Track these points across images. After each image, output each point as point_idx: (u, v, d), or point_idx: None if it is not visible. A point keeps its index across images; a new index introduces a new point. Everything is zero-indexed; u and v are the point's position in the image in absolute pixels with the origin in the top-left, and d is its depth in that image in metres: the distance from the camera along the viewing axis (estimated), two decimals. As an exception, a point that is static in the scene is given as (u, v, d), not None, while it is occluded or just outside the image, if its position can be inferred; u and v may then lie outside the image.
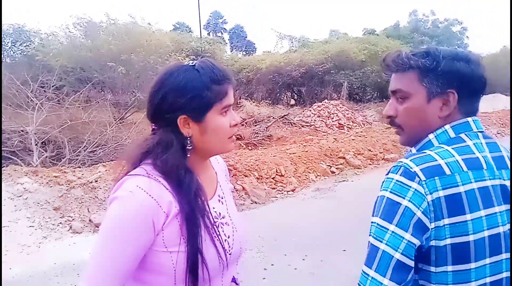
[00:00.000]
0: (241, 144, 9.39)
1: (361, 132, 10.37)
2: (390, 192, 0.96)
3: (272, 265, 3.93)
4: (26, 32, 14.99)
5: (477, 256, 0.94)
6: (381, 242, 0.93)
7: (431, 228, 0.93)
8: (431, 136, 1.07)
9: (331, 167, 7.47)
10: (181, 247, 1.04)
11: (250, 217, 5.27)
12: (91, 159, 7.38)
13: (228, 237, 1.18)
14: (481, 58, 1.10)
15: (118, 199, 1.02)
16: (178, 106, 1.07)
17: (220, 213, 1.19)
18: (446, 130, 1.06)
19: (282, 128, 11.29)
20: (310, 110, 12.82)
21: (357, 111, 13.85)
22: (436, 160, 0.98)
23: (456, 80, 1.04)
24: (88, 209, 5.10)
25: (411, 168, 0.96)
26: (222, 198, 1.24)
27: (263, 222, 5.06)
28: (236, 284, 1.32)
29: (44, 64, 9.68)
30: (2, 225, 4.39)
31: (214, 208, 1.18)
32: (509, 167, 1.03)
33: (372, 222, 0.98)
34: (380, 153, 8.39)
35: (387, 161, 8.19)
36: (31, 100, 7.80)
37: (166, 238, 1.03)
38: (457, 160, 0.98)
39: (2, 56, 13.05)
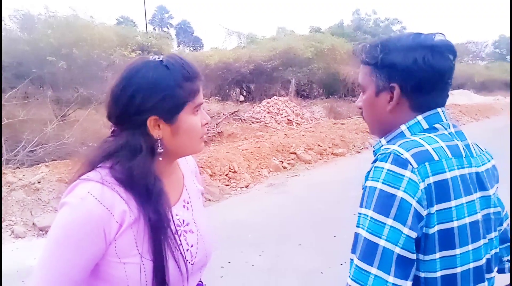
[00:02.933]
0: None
1: (310, 127, 10.59)
2: (383, 183, 0.92)
3: (229, 262, 3.90)
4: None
5: (461, 242, 0.95)
6: (380, 237, 0.89)
7: (424, 216, 0.92)
8: (403, 127, 1.05)
9: (283, 162, 7.55)
10: (135, 258, 0.98)
11: (204, 215, 5.20)
12: (30, 159, 6.94)
13: (191, 246, 1.11)
14: (447, 44, 1.03)
15: (67, 205, 0.94)
16: (148, 107, 0.98)
17: (183, 220, 1.12)
18: (418, 121, 1.04)
19: (232, 124, 11.26)
20: (260, 107, 12.91)
21: (304, 107, 14.12)
22: (423, 146, 0.96)
23: (398, 73, 1.02)
24: (31, 212, 4.80)
25: (402, 154, 0.93)
26: (187, 203, 1.16)
27: (218, 220, 5.01)
28: None
29: (-24, 59, 8.96)
30: None
31: (177, 215, 1.10)
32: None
33: (362, 214, 0.94)
34: (329, 148, 8.60)
35: (336, 156, 8.43)
36: (-37, 96, 7.20)
37: (118, 249, 0.97)
38: (442, 146, 0.97)
39: None
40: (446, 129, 1.04)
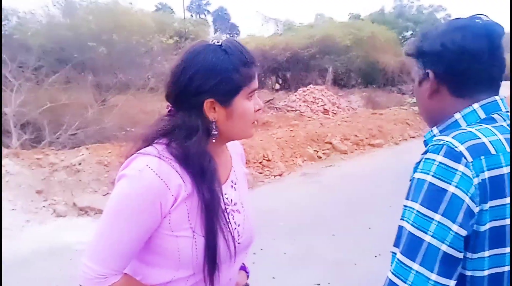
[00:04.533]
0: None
1: (347, 117, 10.40)
2: (433, 176, 0.87)
3: (261, 249, 3.90)
4: (3, 11, 14.37)
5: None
6: (426, 233, 0.85)
7: (476, 213, 0.86)
8: (457, 115, 0.99)
9: (317, 152, 7.46)
10: (187, 232, 1.01)
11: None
12: (72, 142, 7.21)
13: (238, 225, 1.13)
14: (487, 26, 0.97)
15: (126, 177, 0.98)
16: (206, 89, 1.01)
17: (231, 200, 1.14)
18: (475, 109, 0.98)
19: (267, 112, 11.23)
20: (296, 95, 12.78)
21: (341, 97, 13.86)
22: (480, 138, 0.90)
23: (428, 58, 1.02)
24: (72, 192, 4.97)
25: (456, 147, 0.88)
26: (235, 184, 1.18)
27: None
28: (246, 272, 1.26)
29: (22, 44, 9.31)
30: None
31: (226, 194, 1.12)
32: (510, 161, 0.97)
33: (407, 207, 0.90)
34: (366, 138, 8.42)
35: (373, 147, 8.24)
36: (9, 81, 7.52)
37: (172, 222, 1.00)
38: (499, 139, 0.91)
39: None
40: (505, 120, 0.97)
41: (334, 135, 8.14)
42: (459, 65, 0.98)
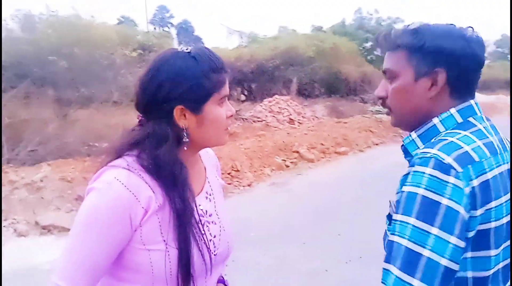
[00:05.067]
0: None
1: (313, 126, 10.55)
2: (425, 189, 0.86)
3: (233, 261, 3.84)
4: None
5: (496, 243, 0.91)
6: (424, 247, 0.83)
7: (467, 220, 0.86)
8: (435, 120, 1.01)
9: (285, 161, 7.52)
10: (160, 245, 0.98)
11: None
12: (32, 158, 6.92)
13: (214, 237, 1.11)
14: (480, 37, 1.03)
15: (94, 190, 0.96)
16: (175, 96, 1.00)
17: (206, 211, 1.12)
18: (452, 114, 1.00)
19: (234, 123, 11.23)
20: (261, 106, 12.85)
21: (306, 107, 14.07)
22: (462, 147, 0.91)
23: (445, 57, 0.99)
24: (33, 210, 4.77)
25: (444, 159, 0.88)
26: (210, 195, 1.17)
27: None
28: (225, 285, 1.25)
29: (-22, 59, 8.92)
30: None
31: (200, 205, 1.10)
32: (510, 160, 1.00)
33: (399, 221, 0.88)
34: (332, 146, 8.57)
35: (339, 154, 8.40)
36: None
37: (144, 235, 0.97)
38: (479, 146, 0.93)
39: None
40: (480, 123, 1.00)
41: (301, 144, 8.23)
42: (470, 71, 1.01)
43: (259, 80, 16.53)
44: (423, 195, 0.86)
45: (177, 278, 0.99)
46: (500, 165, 0.94)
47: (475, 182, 0.88)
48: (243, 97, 17.79)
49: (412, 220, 0.85)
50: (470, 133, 0.96)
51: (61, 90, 9.80)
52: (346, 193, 5.94)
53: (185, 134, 1.03)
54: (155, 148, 1.00)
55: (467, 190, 0.86)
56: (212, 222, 1.13)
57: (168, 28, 51.02)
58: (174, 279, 0.99)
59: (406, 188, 0.89)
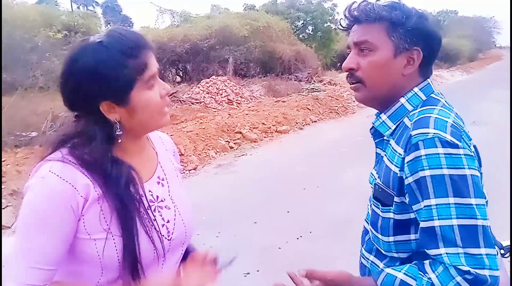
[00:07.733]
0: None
1: (253, 106, 10.59)
2: (448, 168, 0.90)
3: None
4: None
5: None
6: (476, 218, 0.89)
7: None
8: (402, 100, 1.05)
9: (229, 142, 7.51)
10: (104, 234, 0.98)
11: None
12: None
13: (168, 222, 1.11)
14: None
15: (30, 188, 0.96)
16: (96, 94, 0.97)
17: (157, 197, 1.12)
18: (416, 92, 1.05)
19: (172, 105, 10.96)
20: (199, 87, 12.65)
21: (243, 86, 14.06)
22: (448, 121, 0.96)
23: (423, 38, 1.03)
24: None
25: (446, 136, 0.92)
26: (162, 180, 1.15)
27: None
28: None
29: None
30: None
31: (150, 191, 1.10)
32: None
33: (438, 205, 0.91)
34: (273, 126, 8.68)
35: (280, 133, 8.53)
36: None
37: (87, 224, 0.98)
38: (455, 117, 1.00)
39: None
40: (441, 98, 1.07)
41: (243, 125, 8.25)
42: (437, 51, 1.06)
43: (194, 60, 16.16)
44: (449, 174, 0.90)
45: (124, 266, 0.99)
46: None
47: (472, 147, 0.97)
48: (178, 79, 17.36)
49: (452, 200, 0.90)
50: (442, 107, 1.02)
51: (-22, 76, 8.95)
52: (290, 170, 6.09)
53: (118, 127, 1.01)
54: (85, 146, 0.99)
55: (473, 154, 0.95)
56: (166, 206, 1.12)
57: (93, 7, 48.13)
58: (123, 268, 1.00)
59: (427, 172, 0.92)
